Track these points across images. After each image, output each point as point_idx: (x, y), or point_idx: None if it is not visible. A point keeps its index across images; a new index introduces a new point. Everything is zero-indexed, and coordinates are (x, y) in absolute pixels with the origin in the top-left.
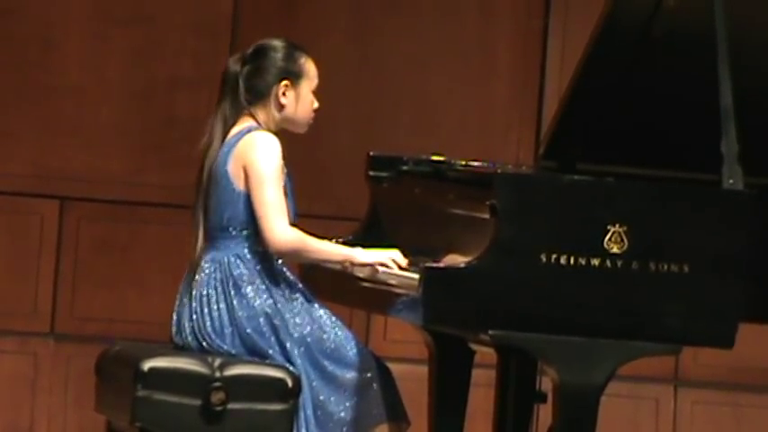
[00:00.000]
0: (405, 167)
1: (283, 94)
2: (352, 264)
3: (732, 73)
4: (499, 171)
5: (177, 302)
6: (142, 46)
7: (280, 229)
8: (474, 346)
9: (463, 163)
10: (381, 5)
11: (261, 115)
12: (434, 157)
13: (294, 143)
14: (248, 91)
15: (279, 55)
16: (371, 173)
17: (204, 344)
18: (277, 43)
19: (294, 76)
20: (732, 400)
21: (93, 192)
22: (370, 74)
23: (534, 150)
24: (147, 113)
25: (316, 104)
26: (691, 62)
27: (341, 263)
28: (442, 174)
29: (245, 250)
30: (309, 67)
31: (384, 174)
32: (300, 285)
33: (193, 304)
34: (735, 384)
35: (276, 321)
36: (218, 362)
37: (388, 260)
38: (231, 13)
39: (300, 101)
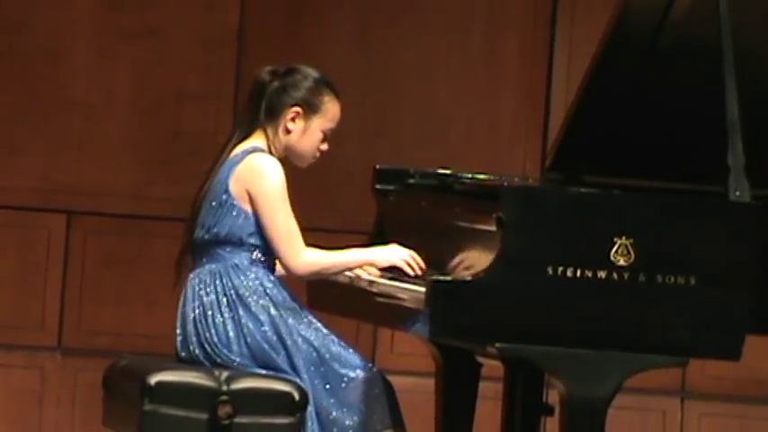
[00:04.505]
0: (411, 180)
1: (292, 119)
2: (375, 266)
3: (738, 85)
4: (506, 184)
5: (180, 315)
6: (149, 60)
7: (299, 255)
8: (481, 359)
9: (469, 176)
10: (387, 18)
11: (270, 133)
12: (441, 170)
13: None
14: (266, 106)
15: (306, 83)
16: (378, 186)
17: (212, 354)
18: (310, 72)
19: (309, 107)
20: (739, 412)
21: (101, 206)
22: (376, 86)
23: (541, 163)
24: (153, 127)
25: (324, 147)
26: (697, 74)
27: (362, 267)
28: (448, 186)
29: (245, 261)
30: (330, 107)
31: (390, 187)
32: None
33: (197, 316)
34: (742, 396)
35: (282, 329)
36: (225, 375)
37: (406, 259)
38: (237, 27)
39: (307, 135)
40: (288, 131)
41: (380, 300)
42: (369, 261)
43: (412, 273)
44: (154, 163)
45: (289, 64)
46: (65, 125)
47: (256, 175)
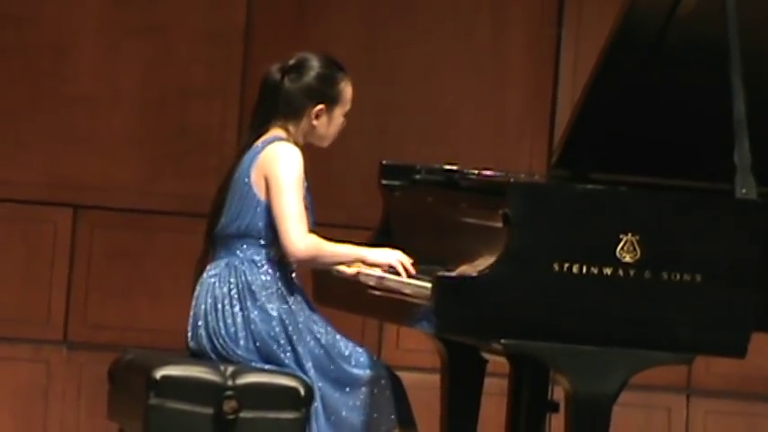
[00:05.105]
0: (417, 176)
1: (317, 116)
2: (364, 263)
3: (744, 82)
4: (512, 180)
5: (193, 306)
6: (155, 55)
7: (298, 237)
8: (486, 355)
9: (476, 172)
10: (393, 15)
11: (291, 128)
12: (447, 166)
13: (307, 152)
14: (285, 104)
15: (319, 75)
16: (384, 182)
17: (220, 348)
18: (317, 62)
19: (330, 101)
20: (744, 409)
21: (107, 200)
22: (382, 83)
23: (547, 159)
24: (159, 122)
25: (344, 124)
26: (703, 72)
27: (353, 263)
28: (454, 182)
29: (261, 257)
30: (347, 92)
31: (397, 183)
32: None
33: (208, 307)
34: (747, 394)
35: (290, 327)
36: (230, 370)
37: (396, 262)
38: (244, 23)
39: (332, 124)
40: (313, 127)
41: (386, 295)
42: (362, 257)
43: (403, 274)
44: (160, 158)
45: (293, 55)
46: (71, 120)
47: (274, 160)
